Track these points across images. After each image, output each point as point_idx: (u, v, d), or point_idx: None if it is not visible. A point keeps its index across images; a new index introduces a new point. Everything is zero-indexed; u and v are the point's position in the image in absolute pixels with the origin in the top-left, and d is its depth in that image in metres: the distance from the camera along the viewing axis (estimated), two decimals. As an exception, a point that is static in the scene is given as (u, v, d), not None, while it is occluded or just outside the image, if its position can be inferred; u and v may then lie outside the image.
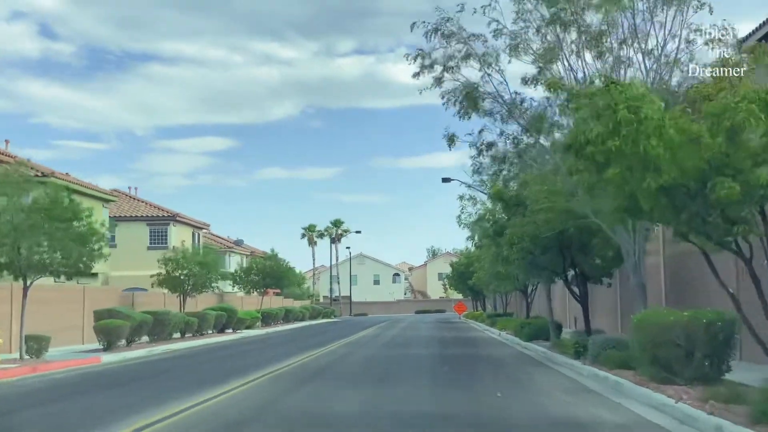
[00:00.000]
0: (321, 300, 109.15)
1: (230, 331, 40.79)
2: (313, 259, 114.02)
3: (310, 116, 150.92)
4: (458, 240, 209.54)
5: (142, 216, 48.41)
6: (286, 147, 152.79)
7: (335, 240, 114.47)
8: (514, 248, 20.63)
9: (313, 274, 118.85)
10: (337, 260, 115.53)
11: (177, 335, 32.16)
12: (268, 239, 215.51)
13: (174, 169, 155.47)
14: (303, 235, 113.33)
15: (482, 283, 46.03)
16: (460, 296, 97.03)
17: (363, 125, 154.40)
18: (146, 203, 50.39)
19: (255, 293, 51.55)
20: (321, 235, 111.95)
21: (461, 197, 28.40)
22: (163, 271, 34.11)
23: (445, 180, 49.27)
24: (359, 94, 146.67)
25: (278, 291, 58.49)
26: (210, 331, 37.65)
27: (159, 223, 48.22)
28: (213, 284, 35.32)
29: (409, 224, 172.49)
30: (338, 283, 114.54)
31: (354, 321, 69.89)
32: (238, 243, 65.36)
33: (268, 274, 50.27)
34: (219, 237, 69.43)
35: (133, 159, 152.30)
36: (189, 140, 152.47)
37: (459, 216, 28.65)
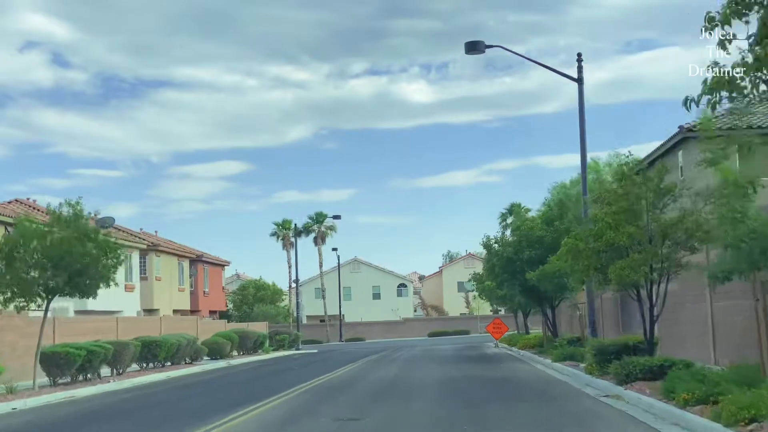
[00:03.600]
0: (305, 321, 79.49)
1: None
2: (289, 267, 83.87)
3: (324, 138, 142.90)
4: (486, 230, 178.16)
5: None
6: (302, 169, 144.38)
7: (318, 240, 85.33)
8: None
9: (290, 286, 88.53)
10: (321, 266, 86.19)
11: None
12: (270, 263, 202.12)
13: (190, 195, 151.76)
14: (274, 234, 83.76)
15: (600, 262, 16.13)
16: (488, 310, 68.13)
17: (377, 146, 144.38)
18: None
19: (33, 305, 21.52)
20: (299, 234, 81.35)
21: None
22: None
23: (471, 47, 25.73)
24: (373, 114, 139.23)
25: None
26: None
27: None
28: None
29: (423, 241, 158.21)
30: (324, 297, 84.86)
31: (324, 355, 41.06)
32: (104, 224, 34.59)
33: (55, 262, 20.27)
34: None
35: (149, 186, 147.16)
36: (204, 165, 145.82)
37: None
